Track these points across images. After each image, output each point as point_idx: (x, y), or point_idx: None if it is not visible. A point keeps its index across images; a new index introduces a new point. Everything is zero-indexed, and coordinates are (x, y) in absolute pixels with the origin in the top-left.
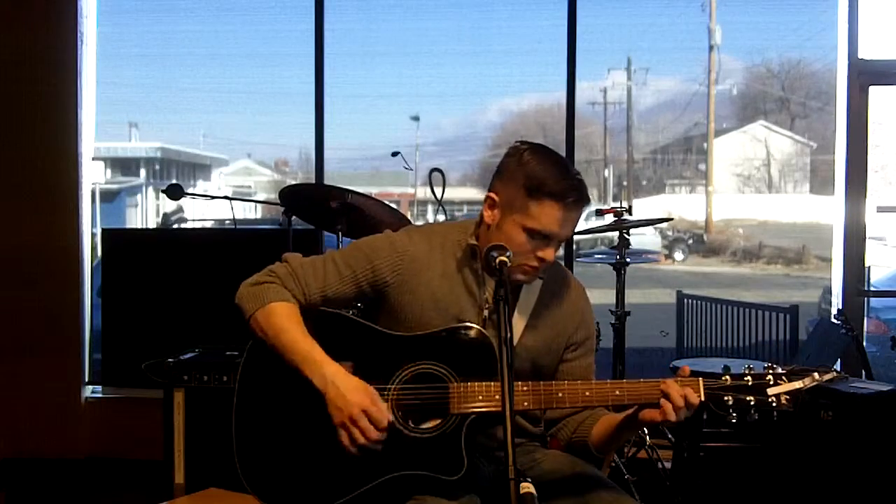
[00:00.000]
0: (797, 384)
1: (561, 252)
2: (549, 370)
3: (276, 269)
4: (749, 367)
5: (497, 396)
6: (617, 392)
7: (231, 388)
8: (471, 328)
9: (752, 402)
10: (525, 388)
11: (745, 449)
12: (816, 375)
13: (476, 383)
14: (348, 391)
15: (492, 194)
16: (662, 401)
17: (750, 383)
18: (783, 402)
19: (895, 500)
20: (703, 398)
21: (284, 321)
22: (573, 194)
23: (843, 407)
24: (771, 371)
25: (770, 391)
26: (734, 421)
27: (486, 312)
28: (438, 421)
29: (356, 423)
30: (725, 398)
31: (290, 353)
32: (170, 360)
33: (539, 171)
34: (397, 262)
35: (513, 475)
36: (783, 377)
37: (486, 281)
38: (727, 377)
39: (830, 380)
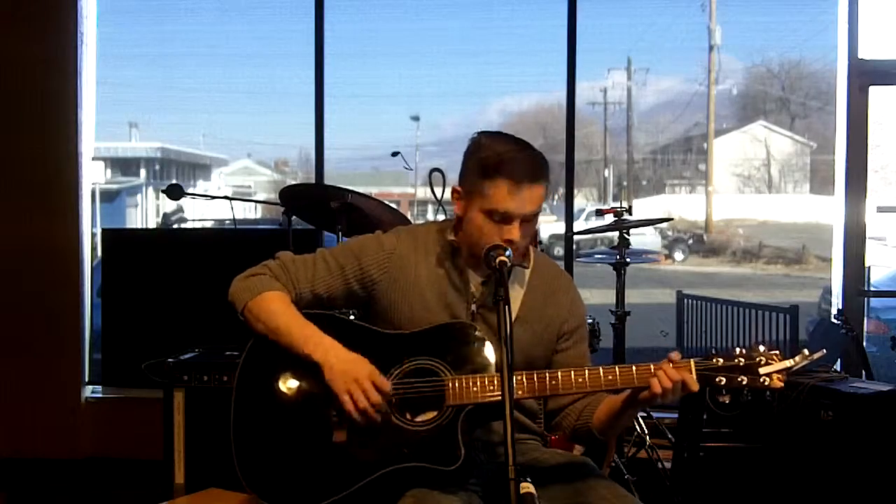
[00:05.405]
0: (788, 362)
1: (561, 252)
2: (541, 362)
3: (267, 263)
4: (738, 347)
5: (491, 388)
6: (609, 377)
7: (231, 387)
8: (463, 324)
9: (744, 382)
10: (519, 378)
11: (745, 449)
12: (806, 352)
13: (470, 376)
14: (349, 361)
15: (456, 187)
16: (652, 379)
17: (741, 363)
18: (775, 380)
19: (895, 500)
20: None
21: (277, 306)
22: (521, 169)
23: (843, 407)
24: (760, 351)
25: (762, 370)
26: (727, 401)
27: (473, 307)
28: (434, 413)
29: (360, 385)
30: (717, 379)
31: (287, 335)
32: (170, 360)
33: (492, 153)
34: (385, 260)
35: (513, 475)
36: (774, 356)
37: (470, 276)
38: (718, 359)
39: (829, 377)
